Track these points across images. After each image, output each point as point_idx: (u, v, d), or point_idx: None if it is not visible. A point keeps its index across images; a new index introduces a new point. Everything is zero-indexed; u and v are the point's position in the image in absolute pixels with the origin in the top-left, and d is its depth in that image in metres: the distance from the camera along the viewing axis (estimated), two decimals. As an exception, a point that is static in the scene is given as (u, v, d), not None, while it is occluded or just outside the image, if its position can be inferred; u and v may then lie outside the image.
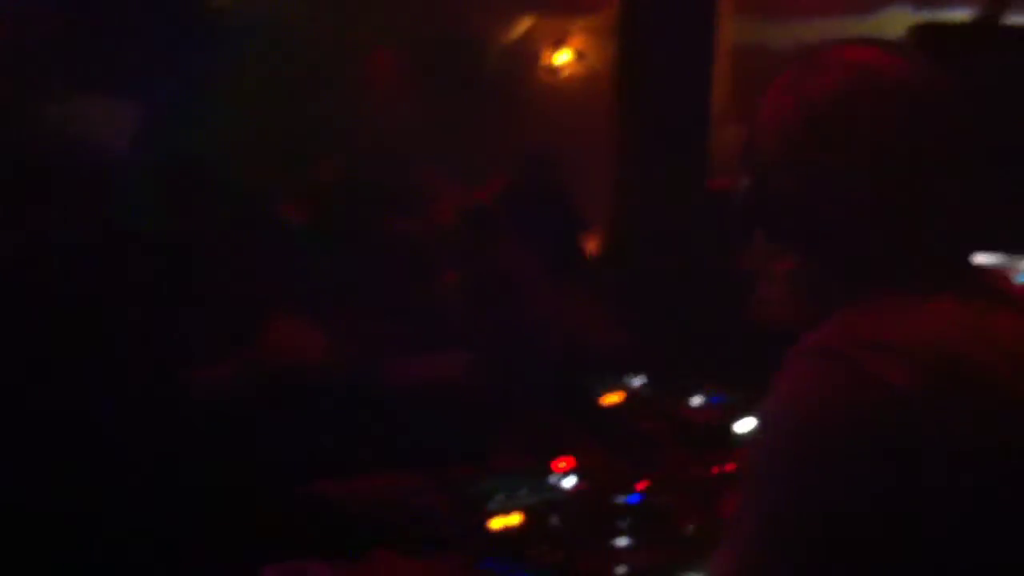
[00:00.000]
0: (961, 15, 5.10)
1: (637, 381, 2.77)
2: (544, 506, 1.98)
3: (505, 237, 4.48)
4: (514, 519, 1.93)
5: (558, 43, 7.48)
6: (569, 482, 2.11)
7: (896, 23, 6.73)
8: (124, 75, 5.73)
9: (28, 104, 5.24)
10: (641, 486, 2.08)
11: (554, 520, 1.93)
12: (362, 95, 7.04)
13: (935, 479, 1.22)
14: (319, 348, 3.07)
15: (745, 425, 2.55)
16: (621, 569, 1.83)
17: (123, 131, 5.45)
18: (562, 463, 2.22)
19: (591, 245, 5.53)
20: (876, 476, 1.22)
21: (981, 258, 1.42)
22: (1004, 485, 1.25)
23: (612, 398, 2.66)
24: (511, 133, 6.48)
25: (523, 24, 7.56)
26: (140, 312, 2.83)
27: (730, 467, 2.30)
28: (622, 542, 1.92)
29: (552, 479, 2.11)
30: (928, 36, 3.56)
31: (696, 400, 2.66)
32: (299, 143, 6.15)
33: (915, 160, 1.33)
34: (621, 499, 2.03)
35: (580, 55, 7.43)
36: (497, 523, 1.92)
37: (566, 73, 7.52)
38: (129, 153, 5.19)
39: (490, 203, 5.23)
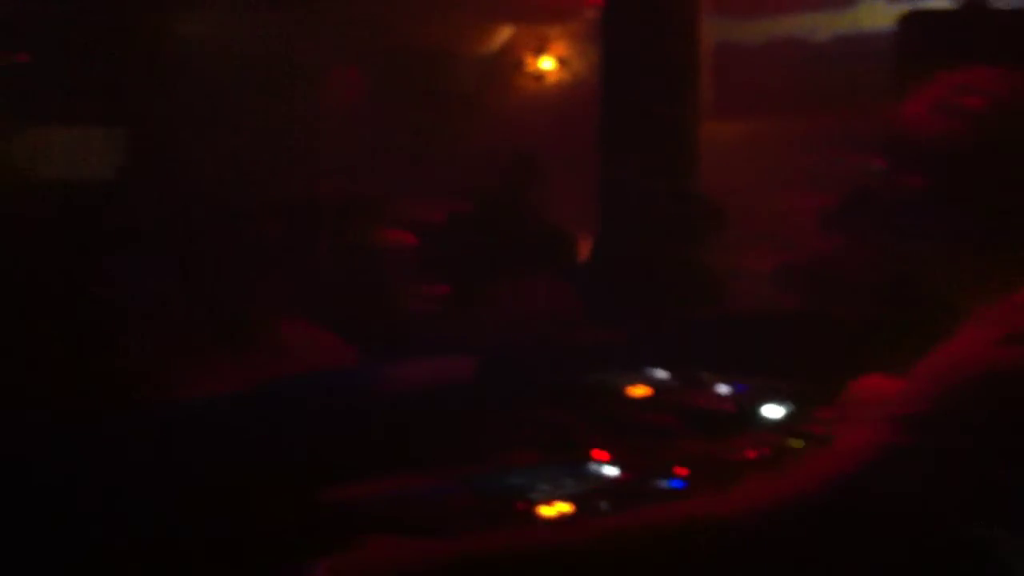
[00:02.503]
0: (941, 2, 5.19)
1: (659, 374, 2.83)
2: (590, 494, 2.03)
3: (487, 245, 4.54)
4: (562, 507, 1.98)
5: (539, 50, 7.54)
6: (611, 471, 2.16)
7: (874, 15, 6.85)
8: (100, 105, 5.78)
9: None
10: (682, 472, 2.13)
11: (602, 507, 1.98)
12: (336, 113, 7.10)
13: None
14: (326, 352, 3.10)
15: (770, 410, 2.60)
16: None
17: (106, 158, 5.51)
18: (597, 453, 2.27)
19: (579, 247, 5.60)
20: None
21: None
22: None
23: (634, 391, 2.71)
24: (497, 142, 6.54)
25: (504, 33, 7.62)
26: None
27: (759, 451, 2.36)
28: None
29: (593, 468, 2.16)
30: (917, 24, 3.65)
31: (720, 389, 2.71)
32: (279, 161, 6.22)
33: None
34: (665, 484, 2.08)
35: (562, 62, 7.50)
36: (546, 511, 1.96)
37: (550, 80, 7.58)
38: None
39: (465, 214, 5.32)
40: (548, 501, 1.99)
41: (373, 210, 5.01)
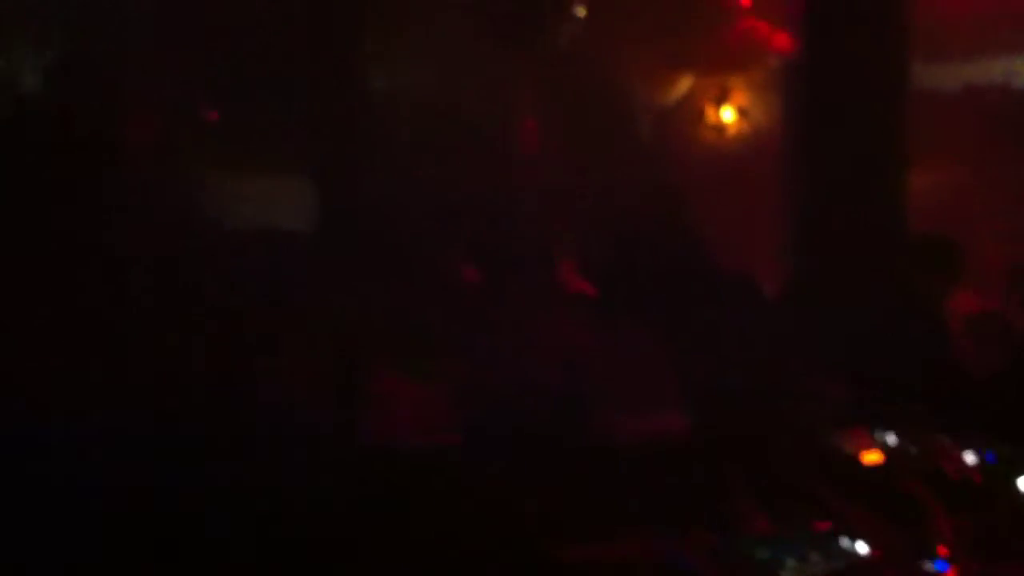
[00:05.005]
0: None
1: (890, 438, 2.63)
2: (844, 573, 1.86)
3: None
4: (818, 588, 1.82)
5: (720, 100, 7.39)
6: (861, 548, 1.98)
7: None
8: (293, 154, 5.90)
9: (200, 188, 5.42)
10: (943, 551, 1.95)
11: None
12: (520, 163, 7.10)
13: None
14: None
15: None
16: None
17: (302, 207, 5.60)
18: (826, 525, 2.10)
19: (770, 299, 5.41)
20: None
21: None
22: None
23: (870, 457, 2.52)
24: (680, 191, 6.41)
25: (684, 83, 7.51)
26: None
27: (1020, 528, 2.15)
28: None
29: (842, 544, 1.99)
30: None
31: (966, 457, 2.50)
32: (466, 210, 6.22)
33: None
34: (928, 566, 1.90)
35: (743, 112, 7.33)
36: (801, 593, 1.80)
37: (730, 131, 7.42)
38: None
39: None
40: (801, 580, 1.83)
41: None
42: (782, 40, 6.69)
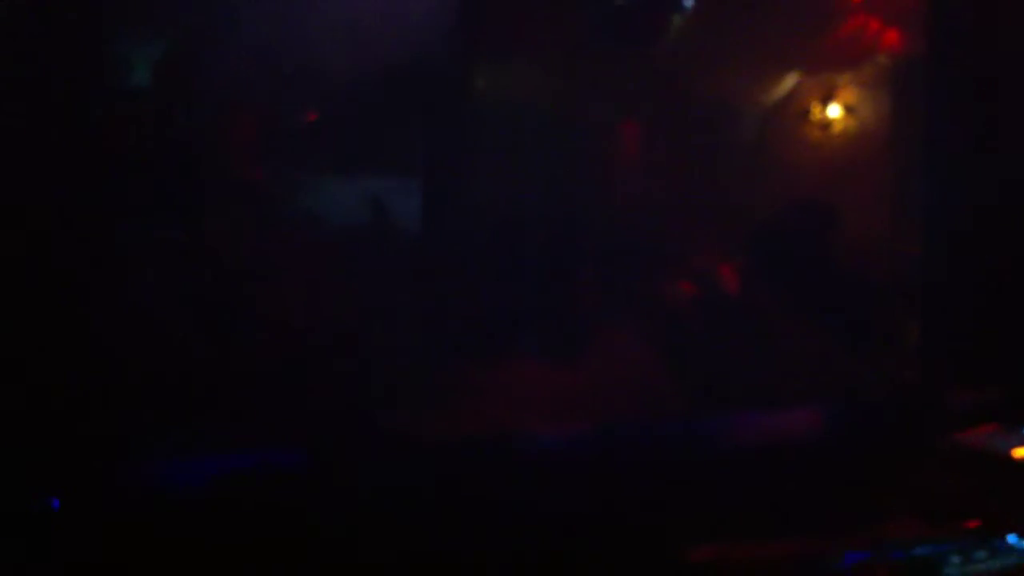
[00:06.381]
0: None
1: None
2: (1016, 572, 1.79)
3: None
4: (988, 586, 1.75)
5: (826, 98, 7.28)
6: (1031, 545, 1.91)
7: None
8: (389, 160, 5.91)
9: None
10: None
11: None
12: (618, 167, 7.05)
13: None
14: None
15: None
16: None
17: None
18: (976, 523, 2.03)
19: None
20: None
21: None
22: None
23: (1020, 452, 2.44)
24: (784, 191, 6.32)
25: (789, 81, 7.40)
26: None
27: None
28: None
29: (1011, 541, 1.92)
30: None
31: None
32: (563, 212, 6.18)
33: None
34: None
35: (849, 109, 7.21)
36: (971, 590, 1.74)
37: (835, 129, 7.30)
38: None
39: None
40: (972, 577, 1.77)
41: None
42: (893, 37, 6.56)
